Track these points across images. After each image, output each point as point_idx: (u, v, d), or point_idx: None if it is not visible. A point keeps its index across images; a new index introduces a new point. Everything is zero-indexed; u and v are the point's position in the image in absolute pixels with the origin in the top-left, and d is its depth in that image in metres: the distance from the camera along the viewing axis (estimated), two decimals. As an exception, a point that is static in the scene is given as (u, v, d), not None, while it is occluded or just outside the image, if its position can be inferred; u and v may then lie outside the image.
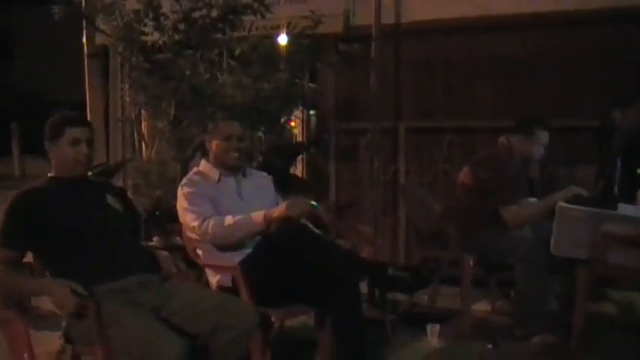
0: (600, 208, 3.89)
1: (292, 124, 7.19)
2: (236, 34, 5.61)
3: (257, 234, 3.47)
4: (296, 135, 7.44)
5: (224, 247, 3.50)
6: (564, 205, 3.97)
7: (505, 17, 5.95)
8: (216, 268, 3.56)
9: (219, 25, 5.47)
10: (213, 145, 3.71)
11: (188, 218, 3.54)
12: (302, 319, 4.01)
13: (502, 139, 4.53)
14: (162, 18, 5.44)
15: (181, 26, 5.45)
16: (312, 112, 7.03)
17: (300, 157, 6.79)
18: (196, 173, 3.73)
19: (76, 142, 2.94)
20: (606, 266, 3.89)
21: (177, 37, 5.46)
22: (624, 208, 4.02)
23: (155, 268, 3.08)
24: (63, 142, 2.94)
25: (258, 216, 3.45)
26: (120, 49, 5.63)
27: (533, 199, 4.47)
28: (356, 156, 6.52)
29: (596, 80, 5.82)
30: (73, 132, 2.94)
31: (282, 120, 6.13)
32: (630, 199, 4.62)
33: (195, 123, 5.44)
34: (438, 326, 4.22)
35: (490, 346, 4.14)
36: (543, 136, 4.44)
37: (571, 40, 5.91)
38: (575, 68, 5.89)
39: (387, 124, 6.39)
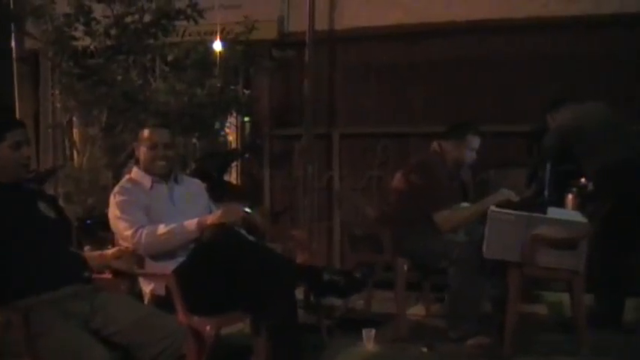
0: (530, 212, 3.96)
1: (227, 130, 7.14)
2: (169, 39, 5.53)
3: (191, 241, 3.42)
4: (230, 141, 7.38)
5: (157, 256, 3.44)
6: (495, 209, 4.03)
7: (438, 24, 6.02)
8: (150, 277, 3.49)
9: (152, 31, 5.39)
10: (141, 152, 3.65)
11: (121, 227, 3.46)
12: (238, 326, 3.96)
13: (434, 144, 4.57)
14: (93, 23, 5.32)
15: (113, 31, 5.34)
16: (246, 118, 6.98)
17: (234, 164, 6.74)
18: (128, 180, 3.65)
19: (18, 145, 2.84)
20: (536, 268, 3.97)
21: (108, 42, 5.35)
22: (553, 212, 4.11)
23: (88, 278, 3.00)
24: (4, 147, 2.83)
25: (191, 223, 3.40)
26: (50, 53, 5.49)
27: (465, 204, 4.52)
28: (290, 162, 6.50)
29: (527, 85, 5.94)
30: (15, 135, 2.84)
31: (216, 126, 6.07)
32: (560, 203, 4.74)
33: (127, 129, 5.33)
34: (373, 330, 4.22)
35: (425, 349, 4.16)
36: (475, 141, 4.49)
37: (502, 46, 6.03)
38: (507, 73, 6.00)
39: (322, 129, 6.39)
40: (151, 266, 3.46)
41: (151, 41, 5.43)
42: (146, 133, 3.65)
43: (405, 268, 4.46)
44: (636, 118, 5.19)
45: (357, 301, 5.07)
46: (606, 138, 4.52)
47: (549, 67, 5.90)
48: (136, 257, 3.20)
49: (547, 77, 5.90)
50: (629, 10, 5.61)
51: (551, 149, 4.78)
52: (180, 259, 3.41)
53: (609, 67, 5.72)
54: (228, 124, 6.71)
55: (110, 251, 3.05)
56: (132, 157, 5.02)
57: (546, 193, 4.53)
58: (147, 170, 3.63)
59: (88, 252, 3.39)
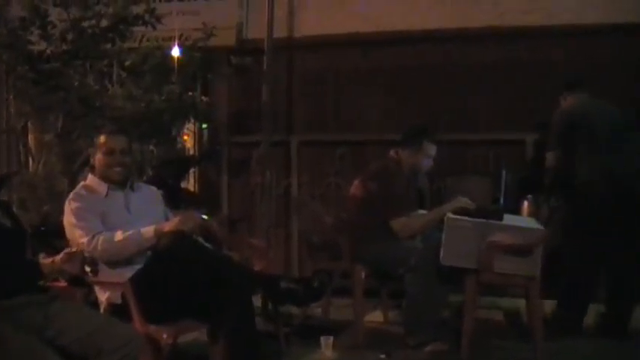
0: (486, 219, 3.99)
1: (185, 137, 7.08)
2: (127, 44, 5.47)
3: (147, 249, 3.37)
4: (188, 148, 7.31)
5: (114, 263, 3.37)
6: (452, 216, 4.05)
7: (395, 33, 6.06)
8: (106, 285, 3.42)
9: (109, 36, 5.32)
10: (97, 159, 3.58)
11: (77, 234, 3.39)
12: (195, 335, 3.92)
13: (392, 152, 4.58)
14: (49, 26, 5.23)
15: (69, 35, 5.26)
16: (204, 125, 6.93)
17: (191, 170, 6.68)
18: (84, 187, 3.58)
19: None
20: (492, 274, 3.99)
21: (65, 46, 5.27)
22: (509, 219, 4.15)
23: (43, 286, 2.94)
24: None
25: (148, 231, 3.35)
26: (4, 57, 5.38)
27: (422, 211, 4.54)
28: (248, 169, 6.46)
29: (484, 94, 6.01)
30: None
31: (174, 132, 6.02)
32: (516, 210, 4.79)
33: (84, 135, 5.25)
34: (331, 338, 4.21)
35: (383, 356, 4.16)
36: (431, 148, 4.51)
37: (459, 55, 6.09)
38: (463, 82, 6.06)
39: (280, 137, 6.38)
40: (107, 274, 3.38)
41: (108, 46, 5.36)
42: (103, 139, 3.58)
43: (363, 275, 4.46)
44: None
45: (315, 309, 5.05)
46: (612, 138, 4.52)
47: (505, 76, 5.97)
48: (85, 259, 3.14)
49: (503, 86, 5.97)
50: (584, 22, 5.71)
51: (557, 126, 4.69)
52: (137, 267, 3.35)
53: (542, 80, 5.83)
54: (186, 131, 6.65)
55: (59, 256, 2.99)
56: (88, 164, 4.95)
57: (502, 200, 4.57)
58: (103, 177, 3.57)
59: (42, 260, 3.32)
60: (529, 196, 4.89)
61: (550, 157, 4.68)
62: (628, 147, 4.52)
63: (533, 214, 4.76)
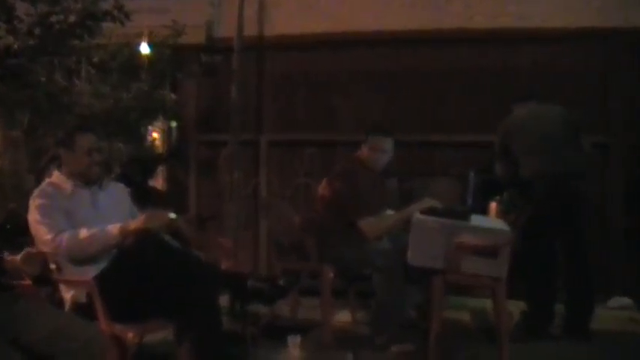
0: (454, 220, 4.02)
1: (154, 135, 7.04)
2: (95, 41, 5.42)
3: (113, 247, 3.35)
4: (156, 146, 7.27)
5: (79, 262, 3.35)
6: (420, 216, 4.08)
7: (366, 34, 6.09)
8: (70, 284, 3.40)
9: (77, 31, 5.26)
10: (74, 159, 3.55)
11: (41, 231, 3.36)
12: (161, 335, 3.90)
13: (358, 152, 4.60)
14: (15, 21, 5.16)
15: (37, 31, 5.18)
16: (173, 123, 6.90)
17: (159, 169, 6.64)
18: (49, 184, 3.55)
19: None
20: (459, 275, 4.03)
21: (32, 41, 5.20)
22: (476, 220, 4.18)
23: (6, 285, 2.90)
24: None
25: (114, 228, 3.34)
26: (-32, 52, 5.31)
27: (390, 211, 4.56)
28: (217, 168, 6.45)
29: (454, 95, 6.06)
30: None
31: (142, 131, 5.98)
32: (483, 211, 4.84)
33: (50, 132, 5.20)
34: (299, 337, 4.20)
35: (350, 355, 4.17)
36: (379, 142, 4.53)
37: (429, 56, 6.13)
38: (433, 84, 6.12)
39: (249, 136, 6.37)
40: (72, 272, 3.37)
41: (77, 42, 5.31)
42: (83, 138, 3.56)
43: (331, 275, 4.48)
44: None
45: (283, 309, 5.05)
46: (552, 142, 4.62)
47: (476, 79, 6.03)
48: (43, 261, 3.11)
49: (474, 88, 6.03)
50: (554, 25, 5.79)
51: (498, 137, 4.86)
52: (102, 265, 3.33)
53: (536, 79, 5.90)
54: (155, 129, 6.62)
55: (19, 255, 2.97)
56: (54, 161, 4.90)
57: (470, 201, 4.61)
58: (72, 175, 3.55)
59: (6, 257, 3.29)
60: (497, 197, 4.94)
61: (497, 167, 4.90)
62: (567, 148, 4.62)
63: (501, 215, 4.80)
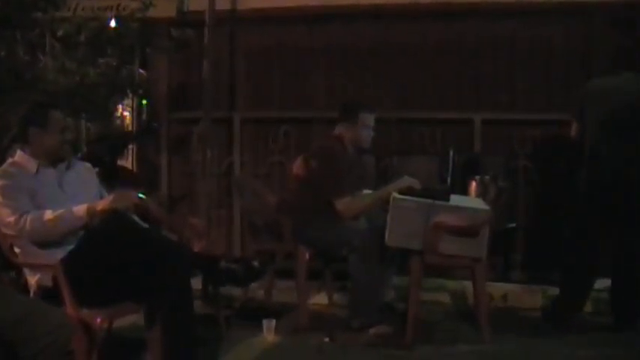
0: (433, 199, 4.01)
1: (125, 113, 6.96)
2: (59, 13, 5.32)
3: (80, 229, 3.30)
4: (126, 124, 7.19)
5: (44, 244, 3.29)
6: (398, 196, 4.06)
7: (342, 7, 6.02)
8: (36, 267, 3.33)
9: (40, 3, 5.16)
10: (46, 137, 3.47)
11: (3, 213, 3.29)
12: (131, 319, 3.87)
13: (335, 130, 4.57)
14: (-28, -9, 5.06)
15: (-3, 2, 5.10)
16: (143, 100, 6.81)
17: (129, 148, 6.56)
18: (12, 164, 3.47)
19: None
20: (437, 256, 4.03)
21: (-9, 14, 5.10)
22: (456, 199, 4.18)
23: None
24: None
25: (80, 209, 3.28)
26: None
27: (367, 191, 4.55)
28: (189, 146, 6.38)
29: (431, 71, 6.04)
30: None
31: (110, 108, 5.90)
32: (463, 191, 4.83)
33: (13, 110, 5.09)
34: (274, 321, 4.21)
35: (327, 339, 4.17)
36: (368, 119, 4.52)
37: (407, 31, 6.09)
38: (411, 59, 6.08)
39: (222, 113, 6.30)
40: (37, 255, 3.31)
41: (40, 15, 5.20)
42: (55, 116, 3.50)
43: (306, 256, 4.47)
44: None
45: (257, 291, 5.04)
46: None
47: (454, 55, 6.01)
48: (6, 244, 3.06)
49: (452, 64, 6.01)
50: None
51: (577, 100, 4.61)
52: (69, 248, 3.28)
53: (512, 56, 5.91)
54: (124, 106, 6.53)
55: None
56: (17, 140, 4.81)
57: (449, 180, 4.60)
58: (47, 155, 3.47)
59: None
60: (477, 176, 4.94)
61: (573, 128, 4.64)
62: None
63: (481, 194, 4.80)
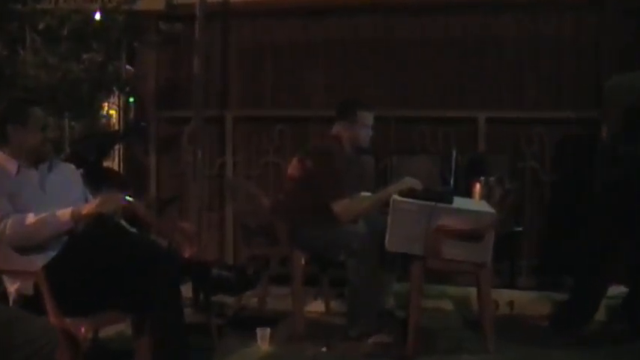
0: (435, 202, 4.00)
1: (111, 111, 6.95)
2: (40, 6, 5.31)
3: (63, 234, 3.30)
4: (113, 123, 7.18)
5: (25, 249, 3.27)
6: (398, 198, 4.06)
7: (340, 1, 6.04)
8: (16, 274, 3.32)
9: (21, -5, 5.17)
10: (27, 135, 3.46)
11: (-19, 218, 3.29)
12: (118, 328, 3.86)
13: (333, 129, 4.57)
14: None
15: (-28, -6, 5.09)
16: (131, 98, 6.80)
17: (115, 148, 6.55)
18: (-10, 165, 3.47)
19: None
20: (440, 261, 4.02)
21: (-33, 6, 5.10)
22: (459, 202, 4.18)
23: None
24: None
25: (64, 213, 3.27)
26: None
27: (366, 193, 4.55)
28: (179, 147, 6.37)
29: (431, 68, 6.04)
30: None
31: (96, 106, 5.89)
32: (467, 192, 4.83)
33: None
34: (268, 330, 4.21)
35: (324, 348, 4.17)
36: (366, 117, 4.53)
37: (407, 26, 6.09)
38: (411, 55, 6.08)
39: (213, 112, 6.29)
40: (17, 262, 3.29)
41: (19, 7, 5.19)
42: (35, 114, 3.48)
43: (302, 261, 4.47)
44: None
45: (251, 299, 5.04)
46: None
47: (457, 49, 6.01)
48: None
49: (455, 61, 6.00)
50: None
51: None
52: (52, 254, 3.28)
53: (518, 49, 5.93)
54: (111, 102, 6.52)
55: None
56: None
57: (452, 181, 4.60)
58: (28, 154, 3.46)
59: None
60: (481, 178, 4.94)
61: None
62: None
63: (485, 197, 4.80)
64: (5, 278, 3.39)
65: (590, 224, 4.62)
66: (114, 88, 6.07)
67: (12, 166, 3.43)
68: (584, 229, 4.79)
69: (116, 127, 7.02)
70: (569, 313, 4.53)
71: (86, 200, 3.52)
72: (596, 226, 4.50)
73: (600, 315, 4.61)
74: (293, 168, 4.59)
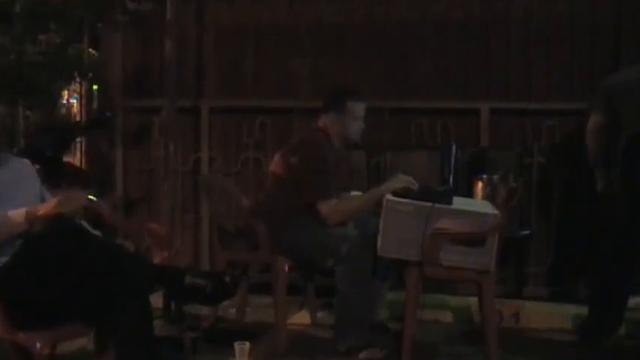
0: (432, 202, 4.00)
1: (72, 100, 6.92)
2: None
3: (17, 237, 3.29)
4: (74, 113, 7.16)
5: (-27, 254, 3.28)
6: (392, 198, 4.06)
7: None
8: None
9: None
10: None
11: None
12: (79, 343, 3.85)
13: (319, 122, 4.58)
14: None
15: None
16: (94, 85, 6.78)
17: (77, 141, 6.54)
18: None
19: None
20: (439, 268, 4.02)
21: None
22: (459, 202, 4.18)
23: None
24: None
25: (18, 214, 3.27)
26: None
27: (356, 192, 4.55)
28: (149, 140, 6.36)
29: (430, 56, 6.05)
30: None
31: (54, 94, 5.86)
32: (468, 191, 4.84)
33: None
34: (247, 344, 4.17)
35: (309, 364, 4.18)
36: (357, 108, 4.53)
37: (403, 6, 6.09)
38: (407, 42, 6.08)
39: (187, 102, 6.29)
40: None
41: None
42: None
43: (286, 268, 4.47)
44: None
45: (228, 309, 5.04)
46: None
47: (458, 34, 6.01)
48: None
49: (456, 47, 6.01)
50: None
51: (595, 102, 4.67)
52: (4, 259, 3.27)
53: (526, 35, 5.92)
54: (72, 90, 6.49)
55: None
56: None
57: (451, 179, 4.60)
58: None
59: None
60: (483, 175, 4.95)
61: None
62: None
63: (488, 196, 4.81)
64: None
65: (608, 227, 4.64)
66: (75, 74, 6.03)
67: (-43, 161, 3.44)
68: (603, 232, 4.79)
69: (77, 118, 6.99)
70: (589, 326, 4.57)
71: (43, 200, 3.52)
72: (616, 228, 4.52)
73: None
74: (276, 164, 4.60)
